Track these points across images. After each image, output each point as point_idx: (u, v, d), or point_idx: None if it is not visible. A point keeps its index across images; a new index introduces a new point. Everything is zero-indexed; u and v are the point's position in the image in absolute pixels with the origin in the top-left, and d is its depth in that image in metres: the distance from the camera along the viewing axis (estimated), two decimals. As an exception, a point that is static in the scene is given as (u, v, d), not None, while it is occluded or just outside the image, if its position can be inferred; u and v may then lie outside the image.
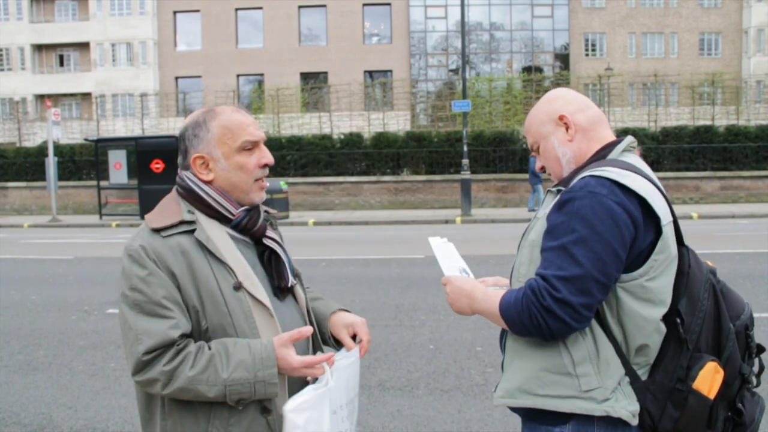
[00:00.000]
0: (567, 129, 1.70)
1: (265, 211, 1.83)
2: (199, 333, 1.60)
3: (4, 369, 5.28)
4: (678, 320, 1.55)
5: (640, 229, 1.51)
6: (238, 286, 1.60)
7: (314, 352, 1.75)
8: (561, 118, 1.71)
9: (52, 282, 9.14)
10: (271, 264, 1.71)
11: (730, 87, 27.17)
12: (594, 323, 1.54)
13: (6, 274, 9.87)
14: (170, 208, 1.67)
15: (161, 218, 1.63)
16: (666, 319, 1.55)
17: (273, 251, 1.72)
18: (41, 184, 22.52)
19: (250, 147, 1.66)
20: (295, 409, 1.54)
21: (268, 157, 1.69)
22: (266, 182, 1.72)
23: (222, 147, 1.65)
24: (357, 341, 1.79)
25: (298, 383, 1.67)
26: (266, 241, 1.72)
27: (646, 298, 1.52)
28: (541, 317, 1.49)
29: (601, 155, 1.67)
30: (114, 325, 6.57)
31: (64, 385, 4.87)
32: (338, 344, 1.82)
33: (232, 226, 1.68)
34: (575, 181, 1.57)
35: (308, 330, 1.63)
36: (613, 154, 1.66)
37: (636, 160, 1.68)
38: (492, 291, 1.66)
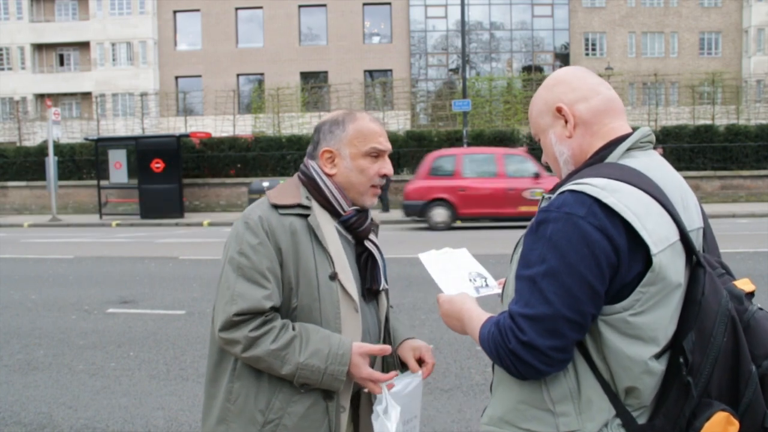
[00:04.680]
0: (566, 122, 1.45)
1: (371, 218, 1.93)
2: (287, 310, 1.70)
3: (4, 368, 5.28)
4: (682, 360, 1.29)
5: (624, 258, 1.26)
6: (333, 276, 1.70)
7: (383, 364, 1.91)
8: (558, 110, 1.45)
9: (52, 281, 9.14)
10: (367, 266, 1.81)
11: (730, 86, 27.17)
12: (579, 358, 1.33)
13: (6, 274, 9.86)
14: (291, 190, 1.78)
15: (282, 197, 1.75)
16: (671, 357, 1.32)
17: (371, 254, 1.82)
18: (41, 183, 22.53)
19: (376, 155, 1.78)
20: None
21: (389, 169, 1.81)
22: (379, 190, 1.83)
23: (351, 148, 1.76)
24: (422, 365, 1.89)
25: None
26: (367, 243, 1.83)
27: (633, 335, 1.28)
28: (509, 360, 1.32)
29: (599, 156, 1.41)
30: (114, 325, 6.57)
31: (65, 384, 4.87)
32: (403, 366, 1.92)
33: (340, 222, 1.78)
34: (556, 194, 1.34)
35: (389, 349, 1.76)
36: (613, 157, 1.39)
37: (644, 162, 1.40)
38: (477, 315, 1.48)
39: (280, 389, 1.68)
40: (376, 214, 1.94)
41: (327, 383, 1.66)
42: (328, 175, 1.78)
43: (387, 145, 1.80)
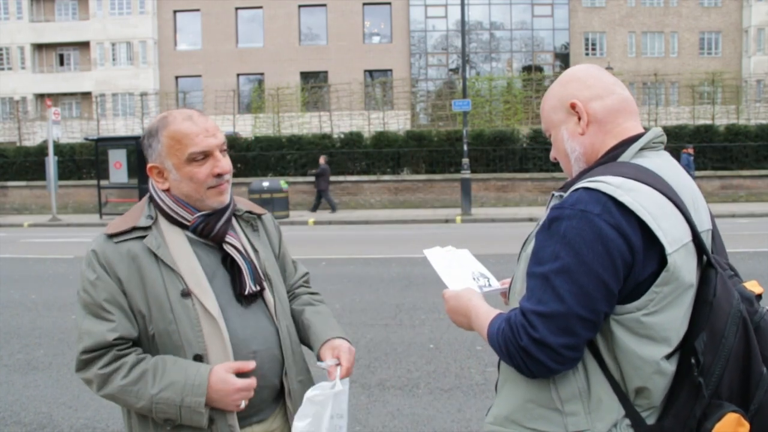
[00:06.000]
0: (579, 119, 1.44)
1: (248, 212, 1.82)
2: (146, 338, 1.62)
3: (4, 368, 5.28)
4: (693, 361, 1.28)
5: (639, 257, 1.25)
6: (185, 293, 1.60)
7: (282, 368, 1.73)
8: (573, 106, 1.44)
9: (52, 281, 9.14)
10: (234, 269, 1.70)
11: (730, 86, 27.15)
12: (588, 357, 1.32)
13: (6, 274, 9.86)
14: (133, 213, 1.71)
15: (119, 224, 1.68)
16: (682, 357, 1.31)
17: (233, 258, 1.70)
18: (41, 183, 22.51)
19: (201, 158, 1.63)
20: (311, 398, 1.57)
21: (222, 166, 1.65)
22: (226, 186, 1.69)
23: (172, 158, 1.64)
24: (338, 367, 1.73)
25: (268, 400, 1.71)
26: (226, 247, 1.70)
27: (645, 335, 1.27)
28: (519, 357, 1.31)
29: (611, 155, 1.40)
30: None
31: (65, 384, 4.87)
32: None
33: (190, 231, 1.68)
34: (570, 191, 1.33)
35: (250, 365, 1.60)
36: (626, 155, 1.39)
37: (656, 162, 1.39)
38: (484, 312, 1.47)
39: (154, 428, 1.61)
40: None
41: (187, 418, 1.54)
42: (164, 190, 1.68)
43: (209, 142, 1.63)
